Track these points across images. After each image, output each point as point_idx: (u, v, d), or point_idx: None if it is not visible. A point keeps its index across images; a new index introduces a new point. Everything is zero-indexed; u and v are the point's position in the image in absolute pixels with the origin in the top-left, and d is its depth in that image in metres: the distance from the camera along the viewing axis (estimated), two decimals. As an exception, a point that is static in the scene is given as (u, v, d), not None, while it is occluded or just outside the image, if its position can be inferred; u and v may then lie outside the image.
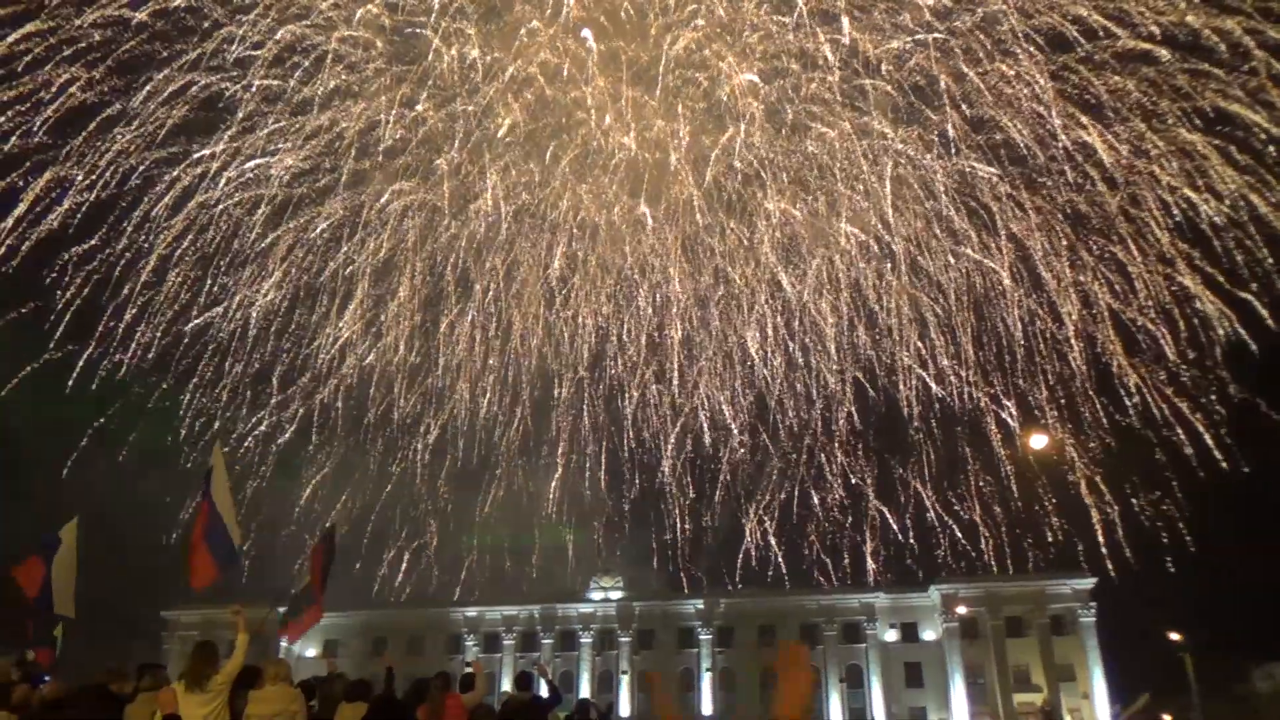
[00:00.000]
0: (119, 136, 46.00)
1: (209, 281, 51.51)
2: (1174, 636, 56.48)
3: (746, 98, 47.89)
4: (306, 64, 47.19)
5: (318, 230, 52.71)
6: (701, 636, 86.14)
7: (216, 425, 55.54)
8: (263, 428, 57.18)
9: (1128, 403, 48.46)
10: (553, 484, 63.02)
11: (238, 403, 56.26)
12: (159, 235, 48.99)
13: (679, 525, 63.71)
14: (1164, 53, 42.54)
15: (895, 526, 61.06)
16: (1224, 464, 46.52)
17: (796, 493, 60.53)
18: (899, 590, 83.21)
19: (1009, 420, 52.58)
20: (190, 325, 52.00)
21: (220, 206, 49.72)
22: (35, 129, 43.62)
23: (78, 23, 42.72)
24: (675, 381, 56.08)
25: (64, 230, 46.57)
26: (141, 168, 47.17)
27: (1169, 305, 46.13)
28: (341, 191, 51.44)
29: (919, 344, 52.54)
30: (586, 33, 46.10)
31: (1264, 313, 43.84)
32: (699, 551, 74.77)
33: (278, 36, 45.64)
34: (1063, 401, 51.48)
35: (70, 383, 50.33)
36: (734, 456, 59.01)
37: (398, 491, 62.58)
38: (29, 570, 15.55)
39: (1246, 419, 47.58)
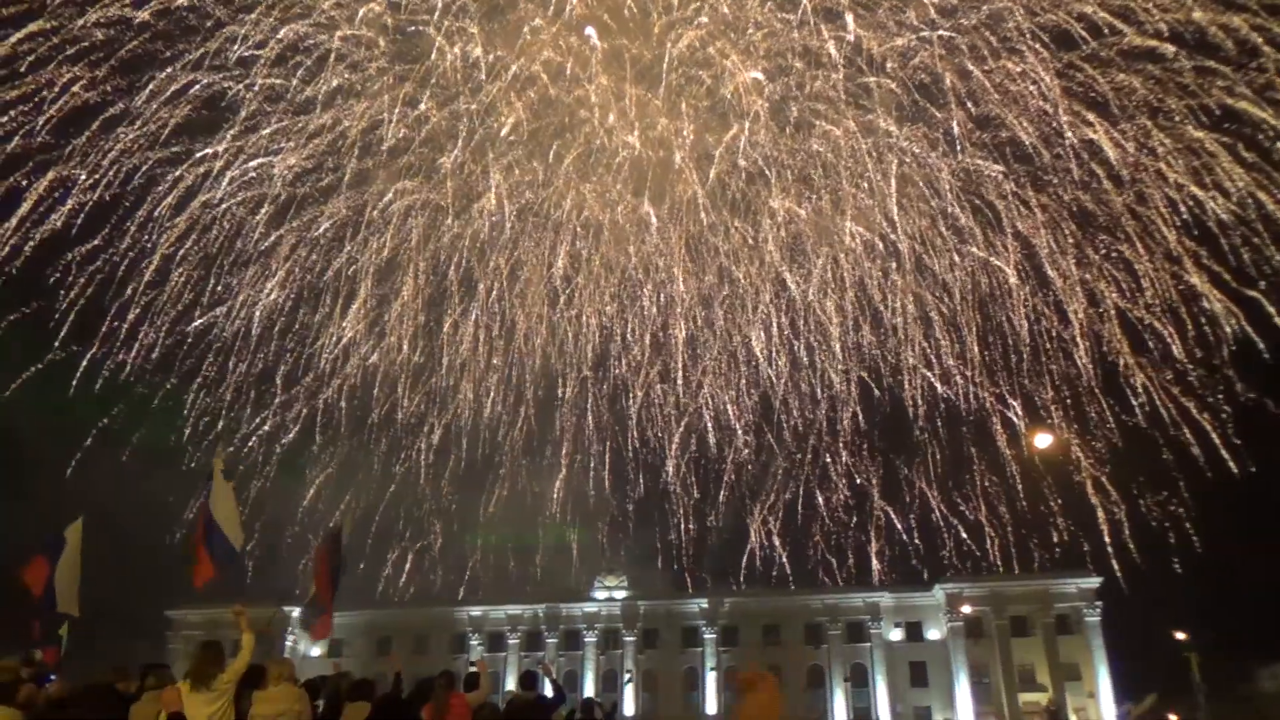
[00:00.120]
0: (122, 136, 46.11)
1: (212, 281, 51.63)
2: (1179, 636, 56.38)
3: (750, 95, 47.84)
4: (309, 63, 47.26)
5: (321, 230, 52.78)
6: (706, 636, 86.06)
7: (220, 426, 55.60)
8: (266, 428, 57.27)
9: (1134, 402, 48.33)
10: (557, 484, 63.07)
11: (241, 403, 56.34)
12: (162, 235, 49.08)
13: (683, 525, 63.73)
14: (1170, 49, 42.43)
15: (900, 526, 61.00)
16: (1231, 464, 46.38)
17: (801, 492, 60.51)
18: (904, 589, 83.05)
19: (1015, 420, 52.48)
20: (193, 325, 52.11)
21: (223, 206, 49.81)
22: (38, 129, 43.74)
23: (80, 22, 42.81)
24: (680, 381, 56.07)
25: (67, 230, 46.71)
26: (144, 167, 47.28)
27: (1176, 304, 46.02)
28: (344, 191, 51.50)
29: (924, 343, 52.47)
30: (590, 30, 46.07)
31: (1271, 311, 43.75)
32: (703, 551, 74.80)
33: (280, 36, 45.70)
34: (1069, 401, 51.38)
35: (74, 383, 50.47)
36: (738, 456, 58.97)
37: (401, 491, 62.66)
38: (34, 570, 15.76)
39: (1254, 418, 47.41)
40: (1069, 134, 45.11)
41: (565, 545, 73.39)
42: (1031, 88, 44.99)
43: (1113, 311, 48.24)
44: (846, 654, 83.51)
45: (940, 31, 44.77)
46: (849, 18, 44.76)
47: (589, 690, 79.62)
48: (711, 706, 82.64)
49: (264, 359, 54.75)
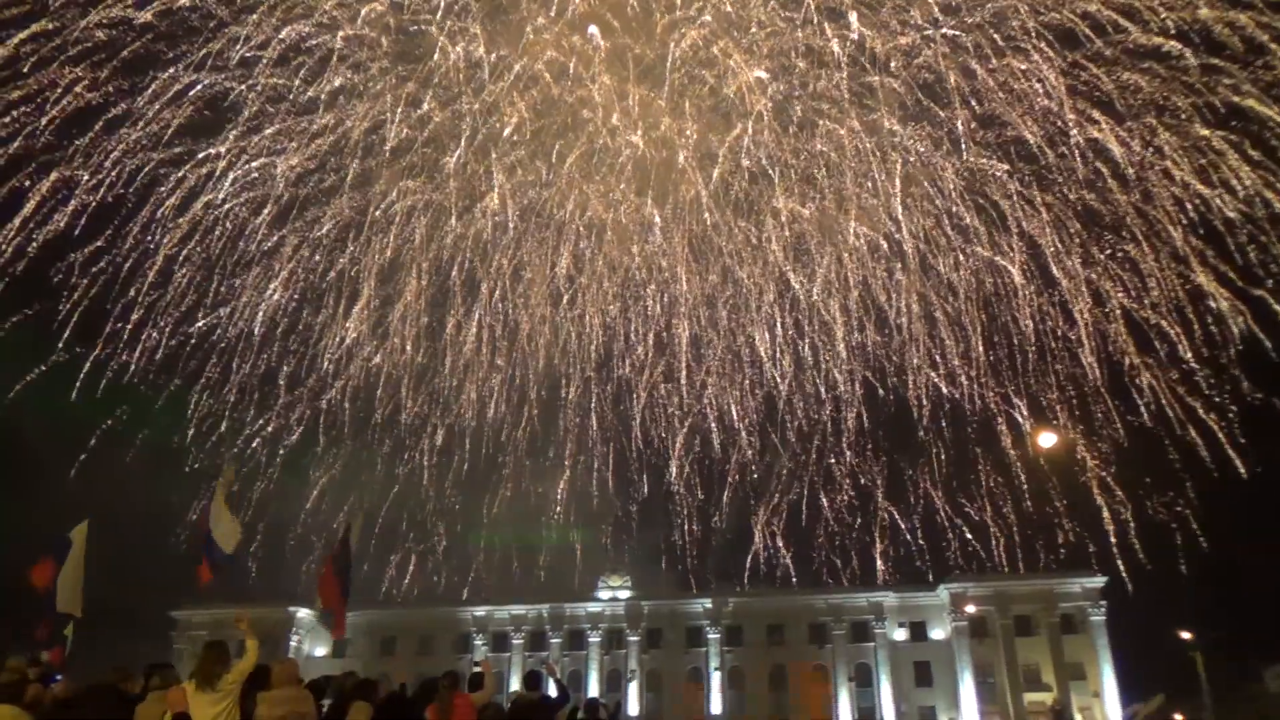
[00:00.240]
0: (124, 137, 46.15)
1: (215, 282, 51.66)
2: (1185, 636, 56.20)
3: (754, 95, 47.77)
4: (311, 64, 47.25)
5: (323, 230, 52.81)
6: (710, 636, 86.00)
7: (224, 427, 55.63)
8: (269, 429, 57.32)
9: (1139, 402, 48.18)
10: (561, 484, 63.09)
11: (244, 404, 56.37)
12: (164, 236, 49.13)
13: (687, 525, 63.72)
14: (1176, 47, 42.25)
15: (904, 526, 60.93)
16: (1238, 463, 46.20)
17: (805, 493, 60.45)
18: (908, 589, 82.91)
19: (1020, 420, 52.36)
20: (196, 326, 52.15)
21: (226, 207, 49.84)
22: (40, 130, 43.77)
23: (82, 23, 42.84)
24: (683, 382, 56.05)
25: (70, 231, 46.73)
26: (147, 168, 47.32)
27: (1182, 303, 45.86)
28: (347, 191, 51.51)
29: (929, 343, 52.37)
30: (593, 30, 46.02)
31: (1278, 310, 43.52)
32: (707, 551, 74.77)
33: (282, 36, 45.67)
34: (1074, 401, 51.23)
35: (77, 385, 50.53)
36: (743, 457, 58.93)
37: (405, 492, 62.68)
38: (41, 570, 16.00)
39: (1260, 417, 47.23)
40: (1074, 133, 45.02)
41: (569, 545, 73.45)
42: (1036, 86, 44.91)
43: (1118, 311, 48.17)
44: (851, 654, 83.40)
45: (944, 30, 44.71)
46: (852, 17, 44.71)
47: (593, 690, 79.57)
48: (716, 706, 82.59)
49: (267, 360, 54.87)
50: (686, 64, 47.62)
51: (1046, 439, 29.69)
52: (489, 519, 67.08)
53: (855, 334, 53.44)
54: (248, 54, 45.97)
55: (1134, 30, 42.49)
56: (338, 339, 54.70)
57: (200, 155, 48.02)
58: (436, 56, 47.83)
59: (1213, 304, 45.06)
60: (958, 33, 44.73)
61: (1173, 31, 42.11)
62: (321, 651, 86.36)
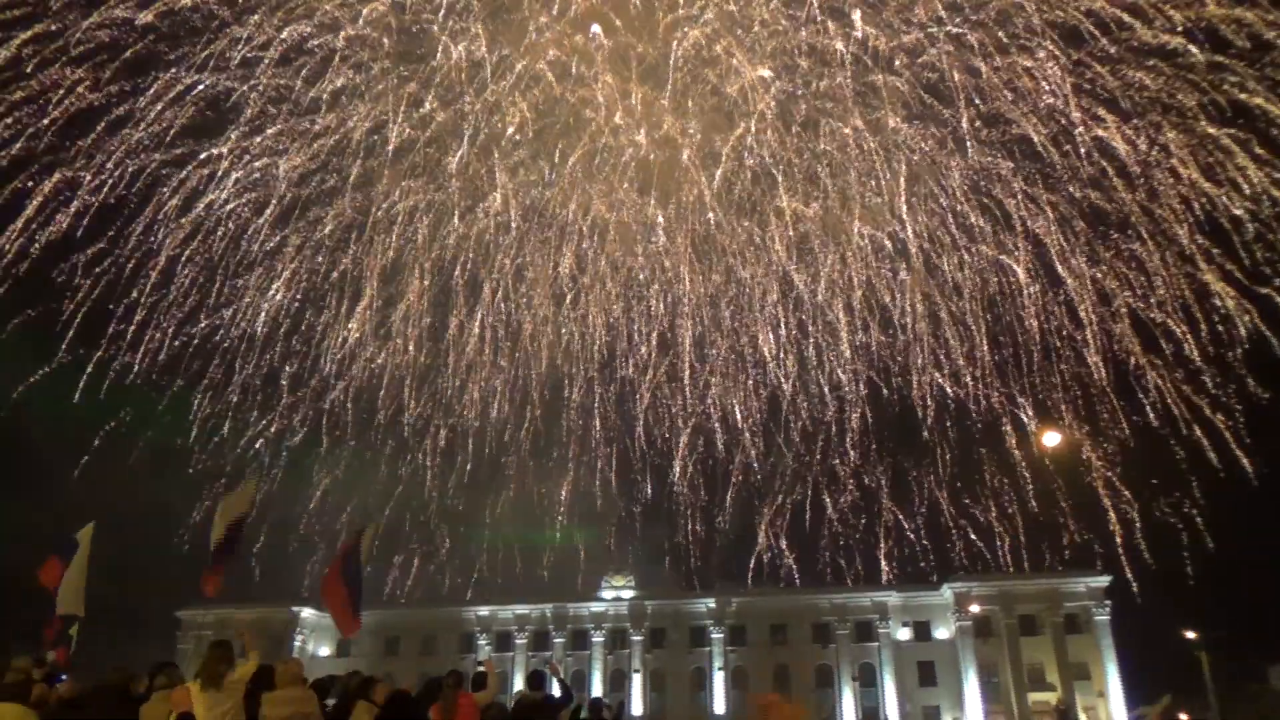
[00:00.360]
0: (126, 138, 46.19)
1: (218, 283, 51.70)
2: (1190, 635, 56.05)
3: (757, 94, 47.70)
4: (313, 64, 47.26)
5: (326, 231, 52.83)
6: (713, 635, 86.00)
7: (227, 428, 55.67)
8: (272, 430, 57.35)
9: (1145, 401, 48.07)
10: (564, 485, 63.07)
11: (248, 405, 56.41)
12: (167, 237, 49.20)
13: (691, 525, 63.65)
14: (1182, 44, 42.10)
15: (908, 526, 60.84)
16: (1245, 462, 46.05)
17: (809, 493, 60.36)
18: (912, 589, 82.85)
19: (1025, 420, 52.25)
20: (199, 327, 52.19)
21: (228, 207, 49.87)
22: (42, 131, 43.83)
23: (84, 25, 42.88)
24: (687, 382, 55.99)
25: (72, 233, 46.80)
26: (149, 169, 47.37)
27: (1188, 302, 45.71)
28: (349, 192, 51.51)
29: (933, 343, 52.26)
30: (596, 29, 45.97)
31: (1286, 308, 43.37)
32: (711, 551, 74.71)
33: (283, 36, 45.68)
34: (1080, 401, 51.12)
35: (81, 386, 50.60)
36: (746, 457, 58.86)
37: (408, 492, 62.69)
38: (49, 571, 16.16)
39: (1267, 417, 47.08)
40: (1080, 131, 44.87)
41: (572, 545, 73.44)
42: (1042, 85, 44.78)
43: (1124, 310, 48.02)
44: (855, 653, 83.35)
45: (948, 28, 44.60)
46: (856, 15, 44.63)
47: (596, 690, 79.59)
48: (719, 706, 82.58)
49: (270, 361, 54.89)
50: (689, 63, 47.60)
51: (1051, 438, 29.59)
52: (492, 519, 67.13)
53: (859, 334, 53.36)
54: (249, 54, 46.03)
55: (1140, 27, 42.39)
56: (340, 340, 54.77)
57: (202, 156, 48.12)
58: (438, 56, 47.89)
59: (1219, 303, 44.95)
60: (962, 31, 44.67)
61: (1179, 29, 42.01)
62: (326, 651, 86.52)
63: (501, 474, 63.31)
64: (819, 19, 44.87)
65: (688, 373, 55.72)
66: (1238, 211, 43.21)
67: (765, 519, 61.60)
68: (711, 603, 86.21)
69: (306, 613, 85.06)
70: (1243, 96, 42.10)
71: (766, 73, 47.49)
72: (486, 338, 55.49)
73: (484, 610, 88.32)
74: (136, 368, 50.99)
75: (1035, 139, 46.06)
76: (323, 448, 60.18)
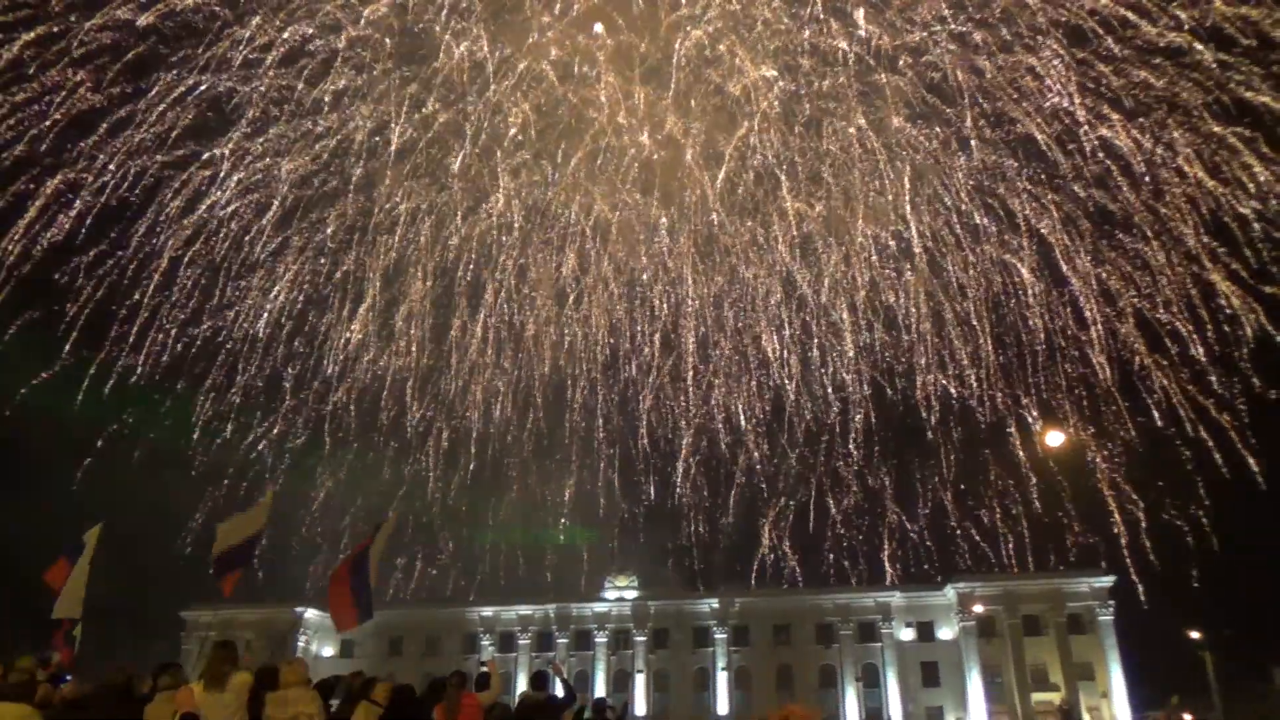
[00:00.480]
0: (128, 140, 46.23)
1: (220, 285, 51.74)
2: (1194, 635, 55.93)
3: (760, 94, 47.65)
4: (314, 65, 47.28)
5: (328, 232, 52.85)
6: (717, 635, 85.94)
7: (229, 430, 55.73)
8: (275, 432, 57.41)
9: (1150, 401, 47.96)
10: (567, 485, 63.08)
11: (250, 407, 56.48)
12: (169, 239, 49.24)
13: (694, 526, 63.63)
14: (1187, 42, 41.97)
15: (911, 527, 60.78)
16: (1251, 462, 45.92)
17: (813, 494, 60.33)
18: (915, 589, 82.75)
19: (1029, 420, 52.15)
20: (201, 329, 52.22)
21: (230, 209, 49.91)
22: (44, 133, 43.88)
23: (85, 26, 42.91)
24: (690, 383, 55.96)
25: (74, 235, 46.88)
26: (150, 171, 47.42)
27: (1194, 302, 45.58)
28: (351, 193, 51.52)
29: (938, 344, 52.18)
30: (598, 28, 45.93)
31: (1291, 307, 43.23)
32: (714, 551, 74.67)
33: (285, 37, 45.69)
34: (1084, 401, 51.02)
35: (83, 388, 50.64)
36: (750, 458, 58.83)
37: (412, 494, 62.72)
38: (56, 572, 16.26)
39: (1273, 417, 46.93)
40: (1085, 130, 44.76)
41: (575, 546, 73.45)
42: (1046, 84, 44.68)
43: (1129, 310, 47.91)
44: (858, 654, 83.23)
45: (952, 27, 44.52)
46: (859, 14, 44.57)
47: (599, 690, 79.56)
48: (723, 706, 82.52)
49: (272, 363, 54.96)
50: (692, 63, 47.59)
51: (1055, 439, 29.54)
52: (495, 520, 67.13)
53: (863, 334, 53.34)
54: (251, 56, 46.11)
55: (1144, 26, 42.28)
56: (343, 341, 54.82)
57: (204, 157, 48.21)
58: (440, 57, 47.90)
59: (1225, 302, 44.82)
60: (965, 30, 44.59)
61: (1184, 27, 41.90)
62: (329, 652, 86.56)
63: (504, 475, 63.41)
64: (822, 18, 44.88)
65: (691, 373, 55.77)
66: (1243, 210, 43.13)
67: (769, 519, 61.57)
68: (715, 603, 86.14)
69: (310, 613, 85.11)
70: (1248, 95, 42.00)
71: (769, 72, 47.49)
72: (489, 339, 55.56)
73: (487, 611, 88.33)
74: (139, 369, 51.13)
75: (1039, 138, 46.03)
76: (326, 449, 60.29)
